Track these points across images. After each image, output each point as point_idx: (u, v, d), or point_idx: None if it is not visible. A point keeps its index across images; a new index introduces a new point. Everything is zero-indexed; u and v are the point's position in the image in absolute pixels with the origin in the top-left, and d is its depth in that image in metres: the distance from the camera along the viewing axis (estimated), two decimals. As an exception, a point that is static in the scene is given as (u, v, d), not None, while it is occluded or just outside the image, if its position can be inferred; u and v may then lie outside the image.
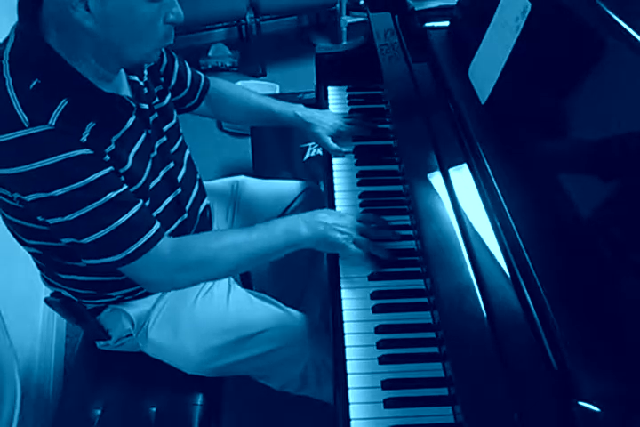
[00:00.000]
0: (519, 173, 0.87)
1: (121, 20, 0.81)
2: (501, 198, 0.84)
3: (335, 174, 1.23)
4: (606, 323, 0.67)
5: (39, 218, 0.90)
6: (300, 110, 1.29)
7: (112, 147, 0.90)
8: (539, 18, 0.90)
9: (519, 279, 0.75)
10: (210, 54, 3.17)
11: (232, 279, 1.23)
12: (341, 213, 1.07)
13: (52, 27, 0.83)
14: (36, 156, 0.80)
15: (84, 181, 0.83)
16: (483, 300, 0.76)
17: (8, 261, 1.52)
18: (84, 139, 0.84)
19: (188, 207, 1.12)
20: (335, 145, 1.27)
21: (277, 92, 2.72)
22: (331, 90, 1.48)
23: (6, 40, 0.86)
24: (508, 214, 0.81)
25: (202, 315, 1.13)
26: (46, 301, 1.13)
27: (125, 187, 0.90)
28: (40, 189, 0.82)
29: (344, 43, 3.20)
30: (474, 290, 0.77)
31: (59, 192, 0.82)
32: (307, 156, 2.09)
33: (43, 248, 1.00)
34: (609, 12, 0.76)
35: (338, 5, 3.11)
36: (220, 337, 1.12)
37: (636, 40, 0.71)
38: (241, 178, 1.45)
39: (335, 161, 1.27)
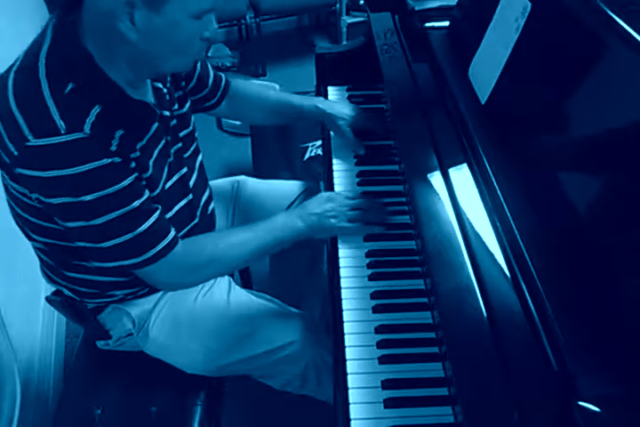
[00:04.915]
0: (519, 172, 0.87)
1: (163, 35, 0.83)
2: (501, 198, 0.84)
3: (335, 174, 1.23)
4: (606, 323, 0.67)
5: (55, 218, 0.90)
6: (321, 102, 1.30)
7: (137, 154, 0.91)
8: (539, 18, 0.90)
9: (519, 279, 0.75)
10: (210, 54, 3.16)
11: (232, 280, 1.23)
12: (331, 195, 1.10)
13: (91, 32, 0.84)
14: (69, 162, 0.81)
15: (112, 188, 0.85)
16: (483, 300, 0.76)
17: (8, 262, 1.52)
18: (113, 147, 0.85)
19: (199, 212, 1.13)
20: (355, 140, 1.26)
21: (277, 92, 2.72)
22: (331, 90, 1.48)
23: (40, 41, 0.86)
24: (508, 214, 0.81)
25: (202, 314, 1.14)
26: (47, 299, 1.14)
27: (148, 194, 0.92)
28: (68, 194, 0.83)
29: (344, 43, 3.20)
30: (474, 290, 0.77)
31: (87, 198, 0.84)
32: (307, 156, 2.09)
33: (51, 246, 1.00)
34: (609, 12, 0.76)
35: (338, 5, 3.11)
36: (221, 336, 1.12)
37: (636, 40, 0.71)
38: (241, 178, 1.45)
39: (335, 161, 1.27)
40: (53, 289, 1.14)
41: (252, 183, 1.43)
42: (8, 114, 0.81)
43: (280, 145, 2.10)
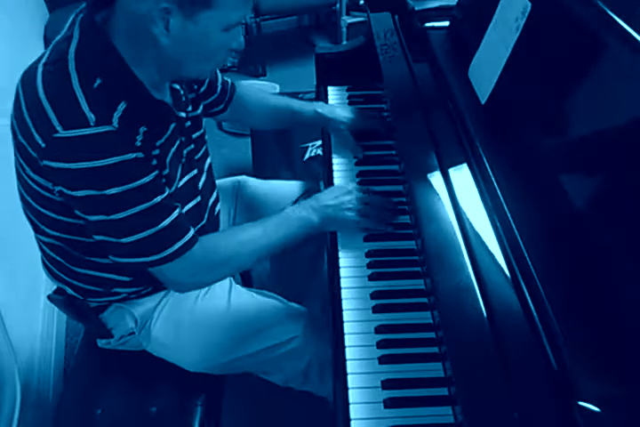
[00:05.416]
0: (519, 172, 0.87)
1: (194, 43, 0.85)
2: (501, 198, 0.84)
3: (335, 174, 1.23)
4: (606, 323, 0.67)
5: (77, 212, 0.91)
6: (320, 107, 1.30)
7: (157, 151, 0.92)
8: (539, 18, 0.90)
9: (519, 279, 0.75)
10: (210, 54, 3.15)
11: (232, 279, 1.23)
12: (346, 188, 1.10)
13: (123, 32, 0.85)
14: (96, 155, 0.82)
15: (135, 183, 0.85)
16: (483, 300, 0.76)
17: (8, 262, 1.52)
18: (138, 143, 0.86)
19: (206, 214, 1.13)
20: (355, 143, 1.27)
21: (277, 92, 2.72)
22: (331, 90, 1.48)
23: (69, 37, 0.86)
24: (508, 214, 0.81)
25: (204, 312, 1.14)
26: (49, 297, 1.14)
27: (168, 191, 0.93)
28: (93, 187, 0.84)
29: (344, 43, 3.19)
30: (474, 290, 0.77)
31: (111, 191, 0.84)
32: (307, 156, 2.09)
33: (64, 240, 1.00)
34: (609, 12, 0.76)
35: (338, 5, 3.11)
36: (223, 334, 1.12)
37: (636, 40, 0.71)
38: (242, 178, 1.45)
39: (335, 161, 1.27)
40: (54, 288, 1.14)
41: (253, 183, 1.43)
42: (36, 105, 0.82)
43: (280, 145, 2.11)
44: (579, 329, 0.67)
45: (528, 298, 0.72)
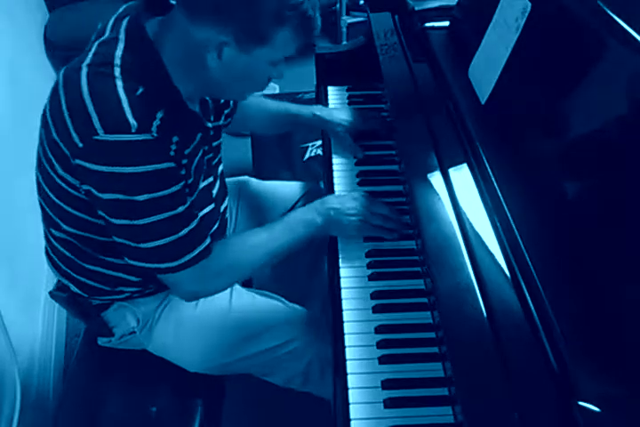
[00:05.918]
0: (519, 172, 0.87)
1: (241, 73, 0.90)
2: (501, 198, 0.84)
3: (335, 174, 1.23)
4: (606, 323, 0.67)
5: (100, 213, 0.91)
6: (319, 110, 1.31)
7: (185, 160, 0.93)
8: (539, 18, 0.90)
9: (519, 279, 0.75)
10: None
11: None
12: (353, 195, 1.09)
13: (174, 48, 0.88)
14: (132, 161, 0.83)
15: (164, 191, 0.87)
16: (483, 300, 0.76)
17: (9, 262, 1.52)
18: (172, 152, 0.88)
19: (218, 220, 1.13)
20: (354, 144, 1.28)
21: (277, 92, 2.72)
22: (331, 90, 1.48)
23: (115, 38, 0.88)
24: (508, 214, 0.81)
25: (205, 313, 1.14)
26: (51, 294, 1.13)
27: (190, 200, 0.94)
28: (122, 191, 0.85)
29: (344, 43, 3.19)
30: (474, 290, 0.77)
31: (139, 198, 0.85)
32: (307, 156, 2.09)
33: (79, 237, 1.01)
34: (609, 12, 0.76)
35: (338, 5, 3.11)
36: (224, 334, 1.13)
37: (636, 40, 0.71)
38: (244, 178, 1.45)
39: (335, 161, 1.27)
40: (54, 288, 1.14)
41: (255, 184, 1.44)
42: (79, 105, 0.83)
43: (280, 145, 2.11)
44: (579, 329, 0.67)
45: (528, 298, 0.72)
